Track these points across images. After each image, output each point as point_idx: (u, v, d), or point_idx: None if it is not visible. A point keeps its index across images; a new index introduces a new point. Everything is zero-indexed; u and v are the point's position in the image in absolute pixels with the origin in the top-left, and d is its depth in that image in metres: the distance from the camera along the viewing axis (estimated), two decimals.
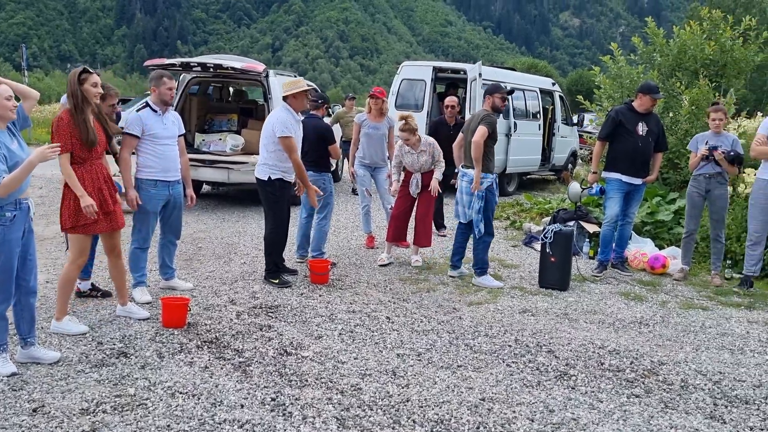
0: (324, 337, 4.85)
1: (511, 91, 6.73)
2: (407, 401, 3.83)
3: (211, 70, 9.93)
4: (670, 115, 9.65)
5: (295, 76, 11.61)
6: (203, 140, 10.52)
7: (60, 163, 4.52)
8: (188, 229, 8.19)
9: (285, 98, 6.03)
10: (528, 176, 14.63)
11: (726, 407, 3.94)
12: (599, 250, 7.17)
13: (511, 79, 13.24)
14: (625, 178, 6.91)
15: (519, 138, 12.71)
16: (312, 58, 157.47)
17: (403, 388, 4.02)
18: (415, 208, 7.18)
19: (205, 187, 11.49)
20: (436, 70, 12.47)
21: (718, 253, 6.94)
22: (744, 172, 7.67)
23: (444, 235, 8.77)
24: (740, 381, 4.34)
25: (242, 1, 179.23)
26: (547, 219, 8.97)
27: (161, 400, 3.72)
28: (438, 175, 6.95)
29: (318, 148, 6.75)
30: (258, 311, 5.37)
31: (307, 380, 4.07)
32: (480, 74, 11.52)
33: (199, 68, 9.93)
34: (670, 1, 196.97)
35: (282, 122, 5.89)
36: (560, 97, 14.96)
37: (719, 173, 6.73)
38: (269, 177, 6.01)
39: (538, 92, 14.03)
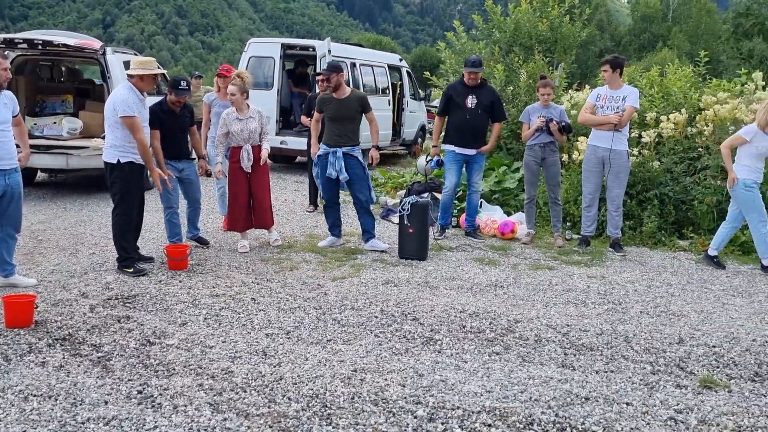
0: (189, 323, 4.70)
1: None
2: (281, 379, 3.82)
3: (40, 47, 9.14)
4: (511, 88, 10.22)
5: (135, 54, 11.00)
6: (35, 124, 9.69)
7: None
8: (25, 221, 7.49)
9: (131, 77, 5.70)
10: (380, 151, 14.90)
11: (575, 355, 4.30)
12: (439, 215, 7.58)
13: (360, 55, 13.37)
14: (458, 150, 7.33)
15: None
16: (148, 35, 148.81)
17: (275, 367, 4.00)
18: (249, 186, 6.76)
19: (41, 175, 10.62)
20: (284, 47, 12.30)
21: (557, 216, 7.49)
22: (578, 140, 8.30)
23: (312, 210, 8.87)
24: (585, 331, 4.75)
25: None
26: (402, 192, 9.22)
27: (13, 405, 3.44)
28: (267, 146, 6.76)
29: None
30: (114, 302, 5.08)
31: (174, 368, 3.93)
32: (329, 51, 11.52)
33: (25, 45, 9.10)
34: None
35: (123, 101, 5.58)
36: (408, 72, 15.32)
37: (552, 142, 7.25)
38: (118, 160, 5.68)
39: (386, 68, 14.28)
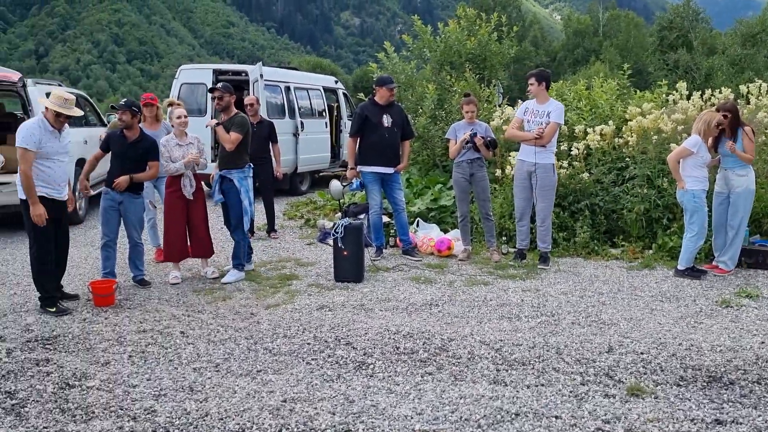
0: (112, 362, 4.51)
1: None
2: (206, 416, 3.69)
3: None
4: (445, 106, 10.33)
5: (60, 84, 10.71)
6: None
7: None
8: None
9: (46, 108, 5.50)
10: (320, 174, 14.85)
11: (507, 371, 4.30)
12: (372, 236, 7.53)
13: (295, 78, 13.33)
14: (377, 169, 7.32)
15: (307, 137, 12.83)
16: (84, 64, 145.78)
17: (201, 402, 3.87)
18: (187, 215, 6.65)
19: None
20: (216, 72, 12.16)
21: (491, 230, 7.55)
22: (510, 155, 8.42)
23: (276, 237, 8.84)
24: (517, 345, 4.76)
25: None
26: (340, 214, 9.17)
27: None
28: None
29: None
30: (33, 345, 4.86)
31: (94, 412, 3.76)
32: (261, 75, 11.45)
33: None
34: (440, 1, 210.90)
35: (25, 132, 5.35)
36: (344, 94, 15.35)
37: (479, 158, 7.31)
38: None
39: (322, 90, 14.28)
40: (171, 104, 6.66)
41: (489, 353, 4.61)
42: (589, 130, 8.36)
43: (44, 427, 3.58)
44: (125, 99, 6.49)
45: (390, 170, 7.36)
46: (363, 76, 60.73)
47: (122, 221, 6.37)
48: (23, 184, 5.42)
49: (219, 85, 6.74)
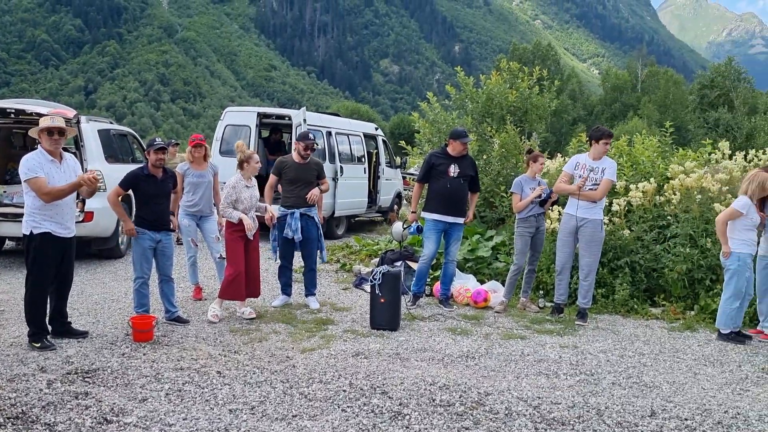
0: (149, 399, 4.54)
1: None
2: None
3: (12, 116, 9.13)
4: (484, 157, 10.38)
5: (111, 122, 11.06)
6: (5, 192, 9.61)
7: None
8: None
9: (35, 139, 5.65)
10: (356, 218, 14.95)
11: (546, 430, 4.20)
12: (414, 282, 7.53)
13: (335, 124, 13.55)
14: (438, 217, 7.33)
15: (345, 182, 12.97)
16: (130, 102, 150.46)
17: None
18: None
19: (9, 243, 10.45)
20: (260, 115, 12.44)
21: (530, 282, 7.58)
22: (551, 210, 8.39)
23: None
24: (556, 404, 4.67)
25: (50, 41, 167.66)
26: (376, 260, 9.19)
27: None
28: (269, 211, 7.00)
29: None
30: (73, 377, 4.91)
31: None
32: (305, 120, 11.67)
33: None
34: (479, 53, 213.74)
35: (26, 164, 5.46)
36: (383, 141, 15.54)
37: (542, 213, 7.44)
38: (31, 231, 5.57)
39: (362, 137, 14.48)
40: (238, 147, 6.87)
41: (527, 410, 4.53)
42: (630, 186, 8.31)
43: None
44: (158, 137, 6.67)
45: (452, 219, 7.35)
46: (400, 123, 61.59)
47: (155, 258, 6.49)
48: (54, 197, 5.45)
49: (310, 135, 7.34)
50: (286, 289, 7.45)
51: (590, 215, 6.92)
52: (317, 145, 7.01)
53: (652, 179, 8.31)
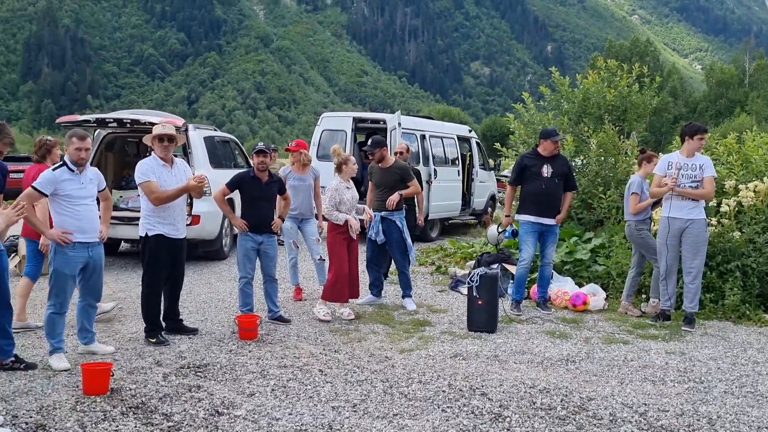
0: (256, 394, 4.74)
1: None
2: None
3: (128, 125, 9.74)
4: (581, 158, 10.13)
5: (215, 129, 11.58)
6: (121, 197, 10.24)
7: None
8: (107, 289, 7.87)
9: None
10: (450, 221, 14.93)
11: None
12: (513, 289, 7.42)
13: (429, 127, 13.61)
14: (533, 219, 7.23)
15: (439, 184, 13.00)
16: (229, 110, 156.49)
17: None
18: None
19: (124, 245, 11.13)
20: (356, 120, 12.67)
21: (635, 285, 7.41)
22: (653, 211, 8.10)
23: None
24: (664, 411, 4.51)
25: (156, 55, 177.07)
26: (472, 263, 9.16)
27: None
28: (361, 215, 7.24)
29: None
30: (186, 371, 5.19)
31: None
32: (399, 123, 11.79)
33: (115, 124, 9.73)
34: (572, 51, 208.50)
35: (140, 169, 5.86)
36: (477, 143, 15.46)
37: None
38: (146, 233, 5.93)
39: (456, 139, 14.46)
40: (335, 151, 7.13)
41: (633, 417, 4.40)
42: (740, 186, 7.89)
43: None
44: (262, 143, 6.94)
45: (548, 221, 7.26)
46: (492, 125, 60.88)
47: (259, 259, 6.74)
48: (163, 200, 5.81)
49: (369, 143, 7.59)
50: (372, 288, 7.70)
51: (695, 215, 6.64)
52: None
53: (765, 178, 7.86)
